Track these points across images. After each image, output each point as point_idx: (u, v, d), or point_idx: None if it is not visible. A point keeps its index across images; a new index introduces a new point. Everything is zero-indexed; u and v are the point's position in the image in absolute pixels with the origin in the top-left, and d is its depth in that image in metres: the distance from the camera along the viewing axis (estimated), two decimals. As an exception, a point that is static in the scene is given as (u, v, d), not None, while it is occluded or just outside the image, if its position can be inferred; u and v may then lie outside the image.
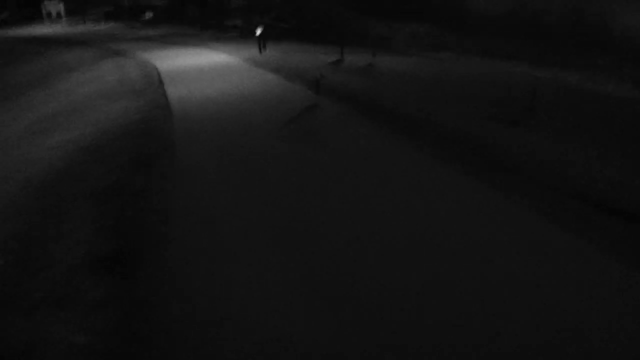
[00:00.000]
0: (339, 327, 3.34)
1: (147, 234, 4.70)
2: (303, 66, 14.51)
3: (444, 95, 10.49)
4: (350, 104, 9.55)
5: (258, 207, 5.21)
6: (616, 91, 11.22)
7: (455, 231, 4.54)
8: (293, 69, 14.00)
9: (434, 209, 5.01)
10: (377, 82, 11.81)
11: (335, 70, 12.93)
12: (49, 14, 44.23)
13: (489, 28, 24.66)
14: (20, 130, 11.15)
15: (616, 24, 21.57)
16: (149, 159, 6.98)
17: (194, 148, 7.45)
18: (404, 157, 6.56)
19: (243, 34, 27.49)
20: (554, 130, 7.56)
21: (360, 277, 3.85)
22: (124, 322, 3.49)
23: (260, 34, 18.32)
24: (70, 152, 8.20)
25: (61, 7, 44.09)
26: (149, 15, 38.53)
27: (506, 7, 27.12)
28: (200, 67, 15.99)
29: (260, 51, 18.30)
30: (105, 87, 15.31)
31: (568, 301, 3.52)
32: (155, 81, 13.95)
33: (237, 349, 3.18)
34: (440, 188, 5.51)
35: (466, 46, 21.73)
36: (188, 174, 6.32)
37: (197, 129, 8.57)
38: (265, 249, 4.36)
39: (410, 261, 4.07)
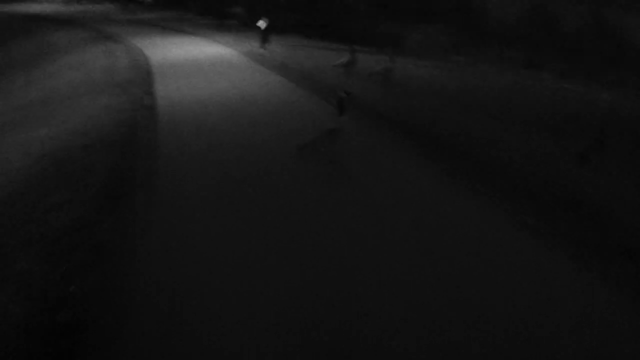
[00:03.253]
0: None
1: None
2: (311, 66, 13.09)
3: (481, 113, 9.09)
4: (377, 123, 7.97)
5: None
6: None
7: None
8: (300, 70, 12.56)
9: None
10: (400, 95, 10.31)
11: (347, 74, 11.50)
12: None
13: (502, 32, 23.62)
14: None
15: (633, 35, 20.68)
16: (125, 186, 5.57)
17: (182, 174, 5.99)
18: (454, 203, 5.11)
19: (243, 23, 25.96)
20: (630, 167, 6.21)
21: None
22: None
23: (265, 28, 16.61)
24: (33, 159, 6.81)
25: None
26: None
27: (521, 11, 25.92)
28: (195, 60, 14.52)
29: (262, 46, 16.72)
30: (90, 75, 13.86)
31: None
32: (144, 73, 12.48)
33: None
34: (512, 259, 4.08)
35: (482, 51, 20.69)
36: (171, 216, 4.91)
37: (188, 144, 7.08)
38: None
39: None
